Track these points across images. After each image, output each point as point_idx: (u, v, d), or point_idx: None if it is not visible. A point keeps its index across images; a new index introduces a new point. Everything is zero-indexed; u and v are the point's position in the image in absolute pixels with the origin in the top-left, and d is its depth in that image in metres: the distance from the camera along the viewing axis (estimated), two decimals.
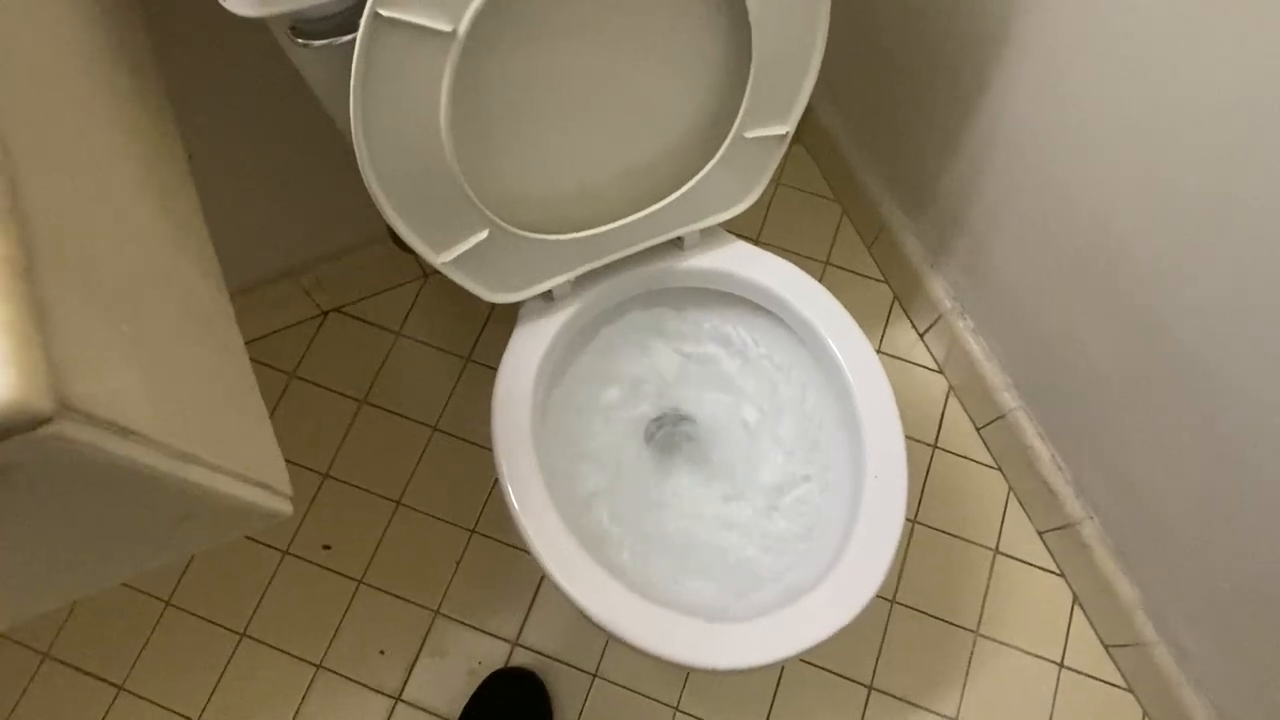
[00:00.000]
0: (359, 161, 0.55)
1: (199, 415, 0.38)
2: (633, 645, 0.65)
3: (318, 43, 0.49)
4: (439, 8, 0.48)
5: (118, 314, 0.34)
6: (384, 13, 0.46)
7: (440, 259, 0.65)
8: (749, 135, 0.69)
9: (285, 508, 0.45)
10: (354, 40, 0.48)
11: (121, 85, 0.50)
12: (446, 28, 0.49)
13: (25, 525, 0.32)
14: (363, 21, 0.47)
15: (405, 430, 1.11)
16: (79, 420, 0.28)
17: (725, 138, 0.68)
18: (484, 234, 0.65)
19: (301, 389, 1.12)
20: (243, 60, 0.78)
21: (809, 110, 1.20)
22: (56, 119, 0.38)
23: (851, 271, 1.19)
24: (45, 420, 0.26)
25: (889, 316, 1.17)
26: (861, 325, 0.76)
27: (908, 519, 1.05)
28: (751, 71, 0.63)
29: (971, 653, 1.00)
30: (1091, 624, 1.00)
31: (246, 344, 0.54)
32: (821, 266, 1.20)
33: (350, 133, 0.53)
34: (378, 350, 1.15)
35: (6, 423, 0.25)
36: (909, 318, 1.16)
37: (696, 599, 0.74)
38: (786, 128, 0.70)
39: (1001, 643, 1.00)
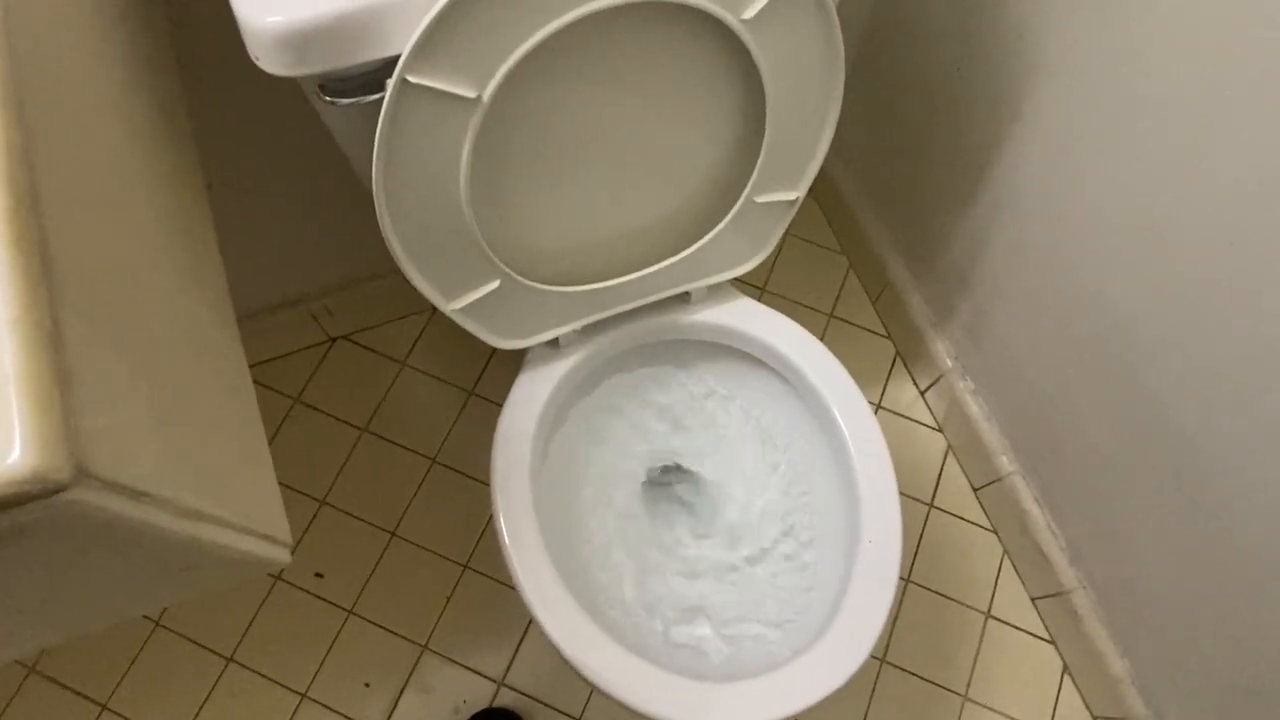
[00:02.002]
0: (378, 213, 0.56)
1: (207, 469, 0.39)
2: (617, 700, 0.65)
3: (345, 101, 0.51)
4: (465, 75, 0.49)
5: (138, 371, 0.35)
6: (411, 79, 0.48)
7: (450, 307, 0.66)
8: (759, 200, 0.70)
9: (284, 557, 0.45)
10: (380, 99, 0.50)
11: (151, 127, 0.51)
12: (471, 94, 0.50)
13: (35, 576, 0.33)
14: (390, 85, 0.48)
15: (404, 461, 1.11)
16: (95, 486, 0.28)
17: (736, 200, 0.70)
18: (495, 284, 0.66)
19: (304, 414, 1.13)
20: (265, 94, 0.80)
21: (821, 164, 1.22)
22: (89, 168, 0.39)
23: (855, 325, 1.20)
24: (62, 488, 0.27)
25: (890, 372, 1.17)
26: (863, 380, 0.77)
27: (901, 578, 1.05)
28: (765, 139, 0.65)
29: (959, 716, 0.99)
30: (1081, 694, 1.00)
31: (252, 367, 0.55)
32: (825, 319, 1.21)
33: (370, 181, 0.54)
34: (382, 379, 1.16)
35: (25, 491, 0.26)
36: (910, 375, 1.17)
37: (684, 655, 0.75)
38: (796, 194, 0.71)
39: (990, 708, 0.99)
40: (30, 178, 0.30)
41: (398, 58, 0.48)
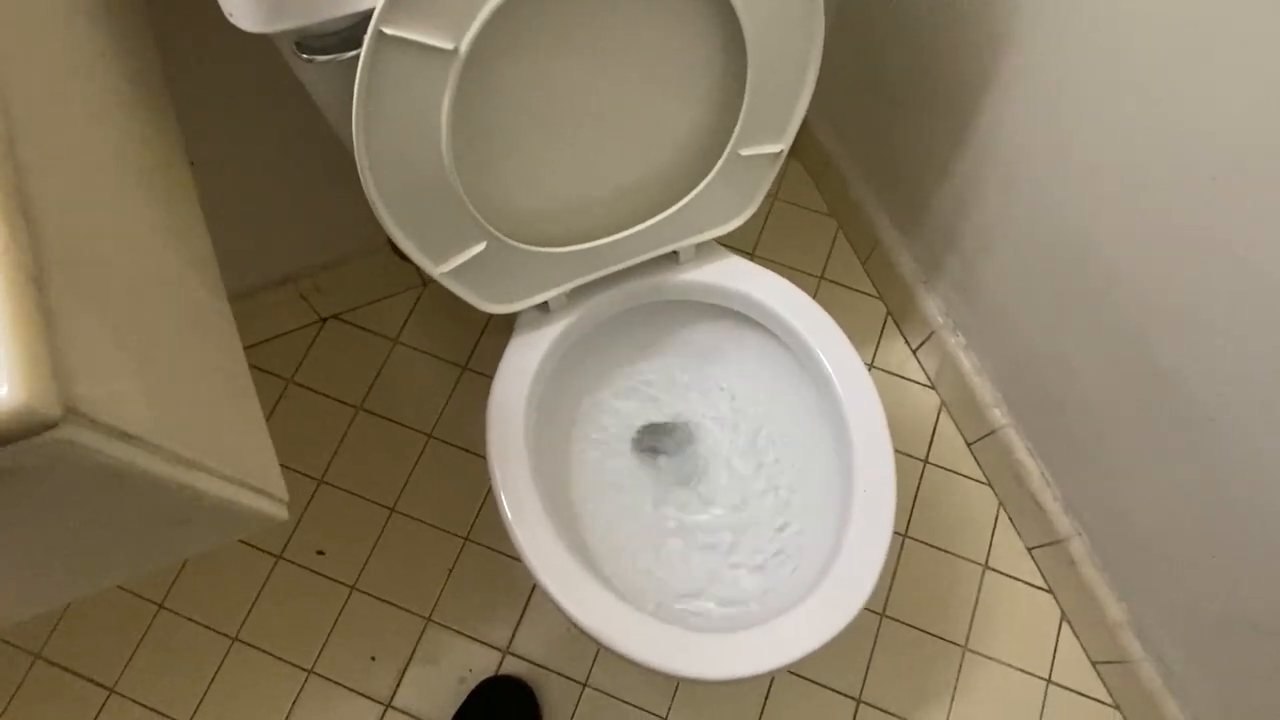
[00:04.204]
0: (360, 174, 0.56)
1: (198, 421, 0.39)
2: (622, 655, 0.65)
3: (322, 58, 0.50)
4: (442, 26, 0.49)
5: (123, 320, 0.35)
6: (387, 30, 0.48)
7: (438, 270, 0.66)
8: (744, 153, 0.70)
9: (281, 513, 0.46)
10: (358, 56, 0.49)
11: (127, 92, 0.51)
12: (449, 46, 0.50)
13: (27, 526, 0.33)
14: (366, 39, 0.48)
15: (401, 437, 1.11)
16: (83, 425, 0.28)
17: (721, 155, 0.70)
18: (481, 246, 0.66)
19: (299, 395, 1.13)
20: (247, 68, 0.80)
21: (806, 127, 1.21)
22: (65, 125, 0.39)
23: (846, 286, 1.21)
24: (51, 425, 0.27)
25: (882, 332, 1.18)
26: (855, 340, 0.77)
27: (898, 533, 1.06)
28: (747, 91, 0.64)
29: (960, 667, 1.00)
30: (1079, 640, 1.01)
31: (245, 349, 0.55)
32: (816, 281, 1.21)
33: (352, 145, 0.54)
34: (375, 357, 1.16)
35: (14, 427, 0.26)
36: (902, 333, 1.17)
37: (686, 610, 0.75)
38: (781, 146, 0.71)
39: (990, 658, 1.01)
40: (4, 122, 0.30)
41: (373, 12, 0.47)
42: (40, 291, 0.28)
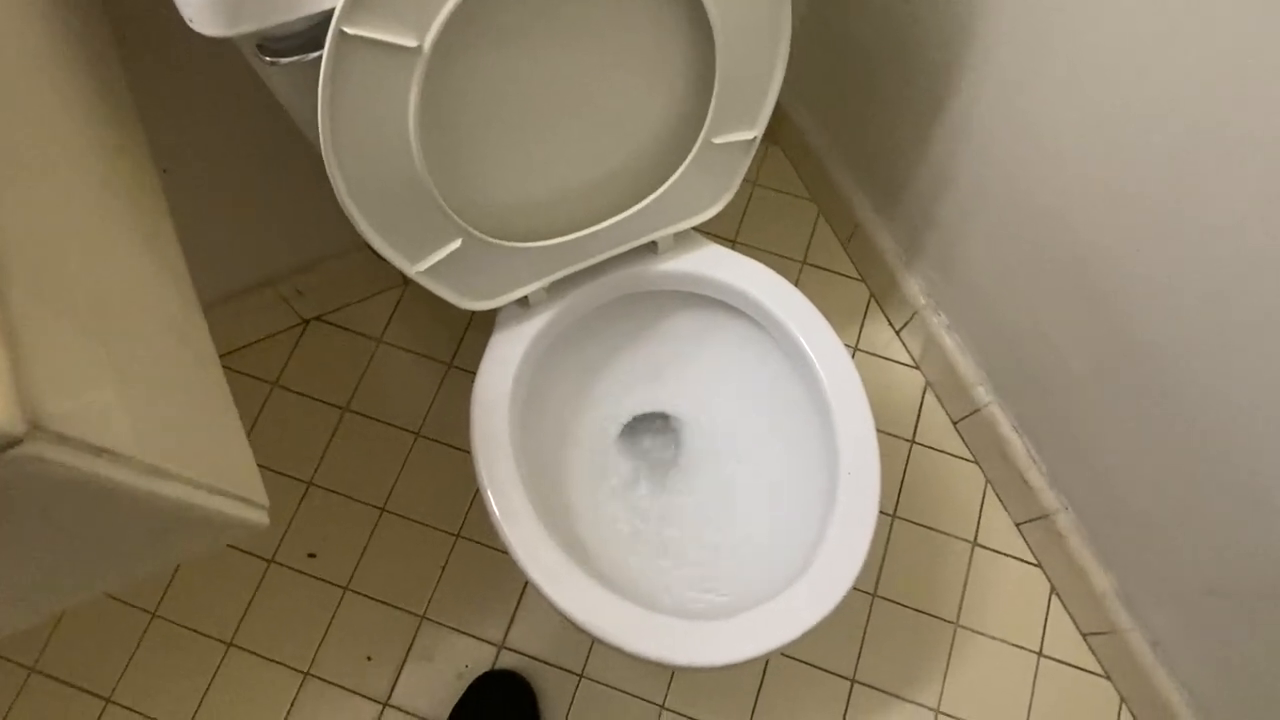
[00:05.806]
0: (330, 176, 0.55)
1: (173, 430, 0.39)
2: (614, 646, 0.66)
3: (285, 60, 0.50)
4: (404, 24, 0.49)
5: (91, 331, 0.35)
6: (349, 30, 0.47)
7: (414, 269, 0.66)
8: (717, 141, 0.70)
9: (262, 519, 0.46)
10: (321, 58, 0.49)
11: (89, 100, 0.50)
12: (412, 43, 0.50)
13: (1, 540, 0.33)
14: (328, 39, 0.47)
15: (388, 437, 1.11)
16: (51, 440, 0.28)
17: (694, 143, 0.70)
18: (457, 243, 0.66)
19: (284, 398, 1.13)
20: (214, 72, 0.79)
21: (784, 112, 1.21)
22: (24, 135, 0.38)
23: (828, 270, 1.21)
24: (16, 442, 0.27)
25: (866, 314, 1.18)
26: (839, 322, 0.77)
27: (887, 513, 1.07)
28: (717, 79, 0.64)
29: (952, 643, 1.01)
30: (1069, 612, 1.02)
31: (227, 354, 0.55)
32: (799, 266, 1.21)
33: (321, 147, 0.54)
34: (359, 358, 1.15)
35: None
36: (885, 315, 1.17)
37: (676, 598, 0.76)
38: (754, 133, 0.71)
39: (981, 633, 1.02)
40: None
41: (334, 12, 0.47)
42: (1, 308, 0.28)
